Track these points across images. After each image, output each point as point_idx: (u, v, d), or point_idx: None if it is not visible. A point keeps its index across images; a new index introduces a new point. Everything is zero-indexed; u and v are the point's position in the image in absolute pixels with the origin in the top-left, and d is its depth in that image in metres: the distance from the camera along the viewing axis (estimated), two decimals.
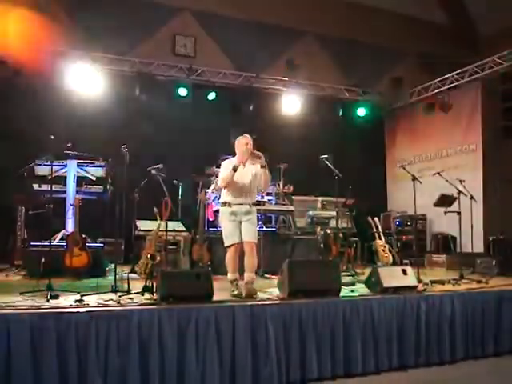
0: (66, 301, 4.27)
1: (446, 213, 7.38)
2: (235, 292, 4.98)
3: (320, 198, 9.05)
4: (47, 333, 3.69)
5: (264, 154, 5.10)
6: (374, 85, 10.76)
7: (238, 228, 5.08)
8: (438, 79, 9.93)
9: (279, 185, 8.46)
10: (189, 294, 4.35)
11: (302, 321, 4.50)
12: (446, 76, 9.74)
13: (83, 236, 6.46)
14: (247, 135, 5.25)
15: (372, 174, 11.06)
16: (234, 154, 5.35)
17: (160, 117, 9.13)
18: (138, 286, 4.87)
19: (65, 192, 7.34)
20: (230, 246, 5.10)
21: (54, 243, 6.56)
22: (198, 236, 7.25)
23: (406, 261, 7.85)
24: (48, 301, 4.22)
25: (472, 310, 5.35)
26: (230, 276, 5.13)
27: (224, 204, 5.14)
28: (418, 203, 6.60)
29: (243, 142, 5.16)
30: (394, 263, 7.49)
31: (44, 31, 7.95)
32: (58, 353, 3.69)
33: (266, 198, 7.95)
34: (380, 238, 7.78)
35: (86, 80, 8.64)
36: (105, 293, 4.64)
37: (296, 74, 9.48)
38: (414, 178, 6.58)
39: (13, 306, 3.91)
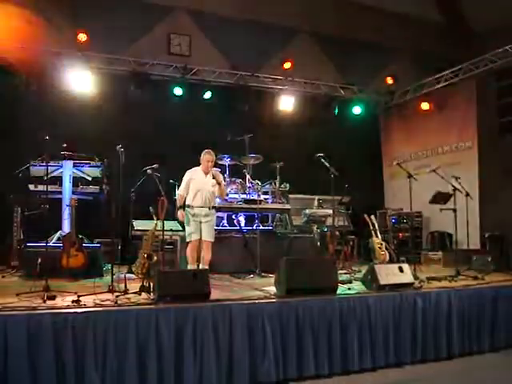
0: (63, 301, 4.27)
1: (441, 210, 7.39)
2: None
3: (316, 197, 9.04)
4: (44, 334, 3.69)
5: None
6: (370, 83, 10.77)
7: (198, 227, 6.00)
8: (433, 77, 9.95)
9: (275, 183, 8.45)
10: (186, 293, 4.37)
11: (299, 319, 4.52)
12: (441, 74, 9.76)
13: (80, 236, 6.47)
14: (210, 151, 6.15)
15: (368, 172, 11.07)
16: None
17: (155, 116, 9.12)
18: (135, 286, 4.88)
19: (61, 192, 7.33)
20: (191, 242, 5.97)
21: (51, 244, 6.55)
22: None
23: (402, 258, 7.84)
24: (45, 302, 4.21)
25: (468, 306, 5.39)
26: (190, 267, 5.89)
27: (188, 206, 6.05)
28: (414, 200, 6.62)
29: (206, 159, 6.12)
30: (391, 261, 7.51)
31: (38, 31, 7.93)
32: (56, 354, 3.69)
33: (262, 197, 7.95)
34: (376, 236, 7.78)
35: (81, 80, 8.60)
36: (102, 293, 4.64)
37: None
38: (410, 176, 6.60)
39: (9, 307, 3.90)
